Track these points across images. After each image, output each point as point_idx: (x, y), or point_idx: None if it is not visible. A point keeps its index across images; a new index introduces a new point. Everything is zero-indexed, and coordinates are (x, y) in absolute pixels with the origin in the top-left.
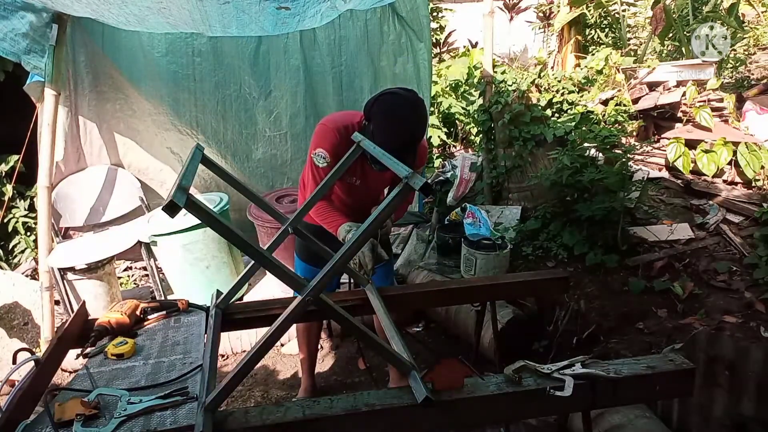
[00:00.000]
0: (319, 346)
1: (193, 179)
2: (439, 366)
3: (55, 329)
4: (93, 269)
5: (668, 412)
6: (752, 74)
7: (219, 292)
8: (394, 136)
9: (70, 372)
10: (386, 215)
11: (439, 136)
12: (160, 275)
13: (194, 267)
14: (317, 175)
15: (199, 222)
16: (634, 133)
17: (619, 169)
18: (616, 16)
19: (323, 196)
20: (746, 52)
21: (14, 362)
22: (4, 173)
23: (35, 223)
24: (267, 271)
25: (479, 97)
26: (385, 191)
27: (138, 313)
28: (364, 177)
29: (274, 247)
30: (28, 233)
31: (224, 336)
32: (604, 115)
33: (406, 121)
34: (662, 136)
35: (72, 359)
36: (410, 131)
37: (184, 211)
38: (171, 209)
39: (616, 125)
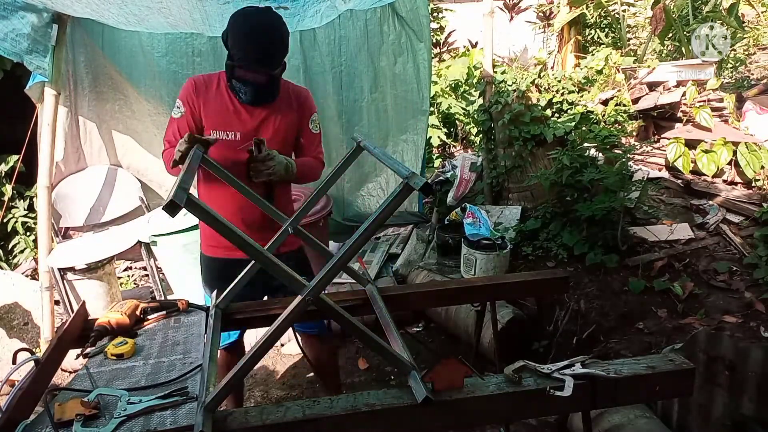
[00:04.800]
0: None
1: (193, 179)
2: (439, 366)
3: (55, 329)
4: (93, 269)
5: (668, 412)
6: (752, 74)
7: (219, 292)
8: (253, 43)
9: (70, 372)
10: (386, 215)
11: (438, 137)
12: (160, 275)
13: (194, 267)
14: (171, 125)
15: (198, 222)
16: (634, 133)
17: (619, 169)
18: (616, 16)
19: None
20: (746, 52)
21: (14, 362)
22: (4, 173)
23: (35, 223)
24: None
25: (479, 97)
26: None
27: (138, 313)
28: (243, 127)
29: (274, 246)
30: (28, 233)
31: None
32: (604, 115)
33: (261, 24)
34: (662, 136)
35: (72, 359)
36: (267, 34)
37: (184, 211)
38: (171, 208)
39: (616, 125)
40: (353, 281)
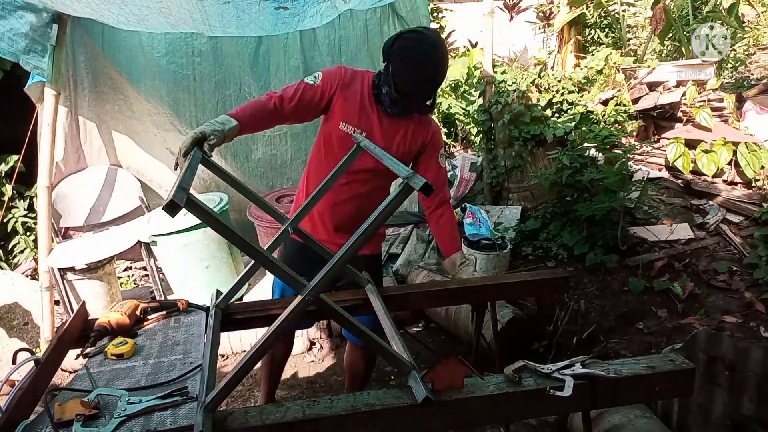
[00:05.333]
0: (320, 346)
1: (193, 179)
2: (439, 366)
3: (55, 329)
4: (93, 269)
5: (668, 412)
6: (752, 74)
7: (219, 292)
8: (423, 81)
9: (70, 372)
10: (386, 215)
11: None
12: (160, 275)
13: (194, 267)
14: (298, 86)
15: (199, 222)
16: (634, 133)
17: (619, 169)
18: (616, 16)
19: (277, 106)
20: (746, 52)
21: (14, 362)
22: (4, 173)
23: (35, 223)
24: (267, 271)
25: (479, 97)
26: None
27: (138, 313)
28: (369, 130)
29: (274, 247)
30: (28, 233)
31: (224, 336)
32: (604, 115)
33: (429, 58)
34: (662, 136)
35: (72, 359)
36: (433, 70)
37: (184, 210)
38: (171, 209)
39: (616, 125)
40: None
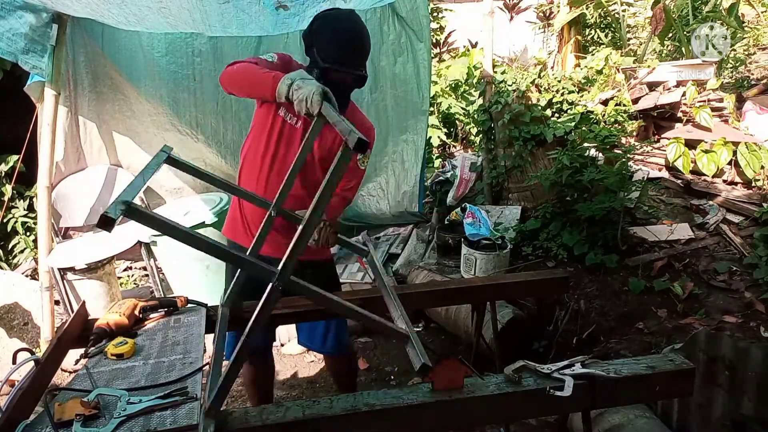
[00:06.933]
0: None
1: (149, 181)
2: (439, 366)
3: (55, 329)
4: (93, 269)
5: (668, 412)
6: (752, 74)
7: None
8: (345, 40)
9: (70, 372)
10: (334, 182)
11: (438, 137)
12: (160, 275)
13: (194, 267)
14: (258, 60)
15: (199, 222)
16: (634, 133)
17: (619, 169)
18: (616, 16)
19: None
20: (746, 52)
21: (14, 362)
22: (4, 173)
23: (35, 223)
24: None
25: (479, 97)
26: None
27: (137, 312)
28: (307, 120)
29: (262, 235)
30: (28, 233)
31: None
32: (604, 115)
33: (353, 24)
34: (662, 136)
35: (72, 360)
36: (359, 34)
37: (184, 210)
38: (105, 224)
39: (616, 125)
40: (353, 281)
